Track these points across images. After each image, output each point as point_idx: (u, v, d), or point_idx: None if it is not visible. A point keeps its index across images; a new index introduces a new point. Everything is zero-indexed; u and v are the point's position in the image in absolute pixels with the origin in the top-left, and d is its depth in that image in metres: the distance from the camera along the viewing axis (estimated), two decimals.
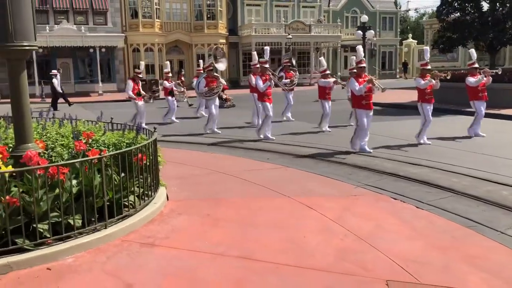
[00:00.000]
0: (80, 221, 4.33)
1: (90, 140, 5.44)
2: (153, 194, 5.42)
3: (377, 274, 3.67)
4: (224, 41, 35.46)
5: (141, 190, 5.16)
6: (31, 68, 26.53)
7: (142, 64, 14.06)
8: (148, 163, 5.28)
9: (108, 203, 4.56)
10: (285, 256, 4.03)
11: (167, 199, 5.65)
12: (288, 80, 14.25)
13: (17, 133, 4.62)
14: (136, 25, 32.52)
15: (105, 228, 4.47)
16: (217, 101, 12.45)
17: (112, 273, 3.73)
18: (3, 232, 3.93)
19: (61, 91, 21.17)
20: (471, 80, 10.54)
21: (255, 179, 6.72)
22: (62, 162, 4.49)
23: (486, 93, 10.68)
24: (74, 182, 4.44)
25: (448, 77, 10.39)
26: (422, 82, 9.66)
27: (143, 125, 12.33)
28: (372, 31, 26.23)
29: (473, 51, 11.18)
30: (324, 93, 12.22)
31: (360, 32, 23.17)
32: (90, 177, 4.52)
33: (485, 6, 18.70)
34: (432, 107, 9.98)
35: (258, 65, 11.66)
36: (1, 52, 4.51)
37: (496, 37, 17.58)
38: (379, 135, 10.75)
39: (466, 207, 5.58)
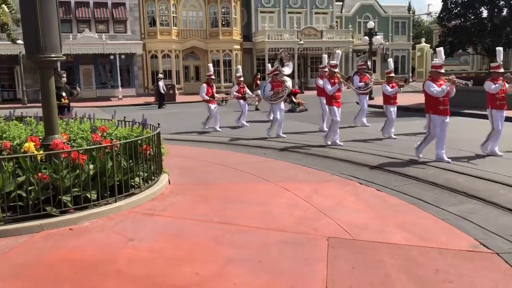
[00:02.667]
0: (95, 196, 5.46)
1: (105, 134, 6.58)
2: (156, 178, 6.53)
3: (323, 233, 4.69)
4: (238, 47, 36.70)
5: (146, 174, 6.28)
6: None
7: (211, 66, 14.85)
8: (152, 153, 6.41)
9: (118, 183, 5.68)
10: (255, 222, 5.08)
11: (169, 183, 6.75)
12: (363, 83, 13.75)
13: (47, 126, 5.79)
14: (154, 32, 33.99)
15: (115, 202, 5.59)
16: (282, 105, 12.36)
17: (119, 232, 4.83)
18: (36, 201, 5.08)
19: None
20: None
21: (247, 170, 7.78)
22: (82, 148, 5.63)
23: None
24: (91, 166, 5.57)
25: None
26: (493, 86, 8.83)
27: (217, 127, 13.94)
28: (379, 37, 27.05)
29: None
30: (389, 98, 11.78)
31: (366, 38, 24.03)
32: (103, 162, 5.66)
33: (484, 12, 19.42)
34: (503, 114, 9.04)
35: (326, 68, 11.68)
36: (34, 62, 5.70)
37: (494, 42, 18.31)
38: (372, 133, 11.72)
39: (422, 191, 6.54)
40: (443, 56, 8.86)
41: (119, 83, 31.55)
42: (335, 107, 10.45)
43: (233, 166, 8.09)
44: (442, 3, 20.53)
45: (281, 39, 36.68)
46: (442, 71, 8.48)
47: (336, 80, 10.41)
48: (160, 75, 27.52)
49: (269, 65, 13.90)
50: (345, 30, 39.63)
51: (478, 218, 5.30)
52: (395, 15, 45.73)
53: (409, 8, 55.50)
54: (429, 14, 58.09)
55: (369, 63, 15.20)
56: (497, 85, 8.73)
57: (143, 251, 4.32)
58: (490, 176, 7.21)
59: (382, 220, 5.13)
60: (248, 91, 15.28)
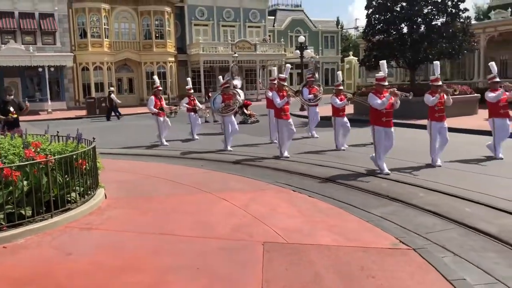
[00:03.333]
0: (30, 212, 5.38)
1: (38, 149, 6.48)
2: (92, 192, 6.51)
3: (259, 239, 4.95)
4: (173, 59, 36.61)
5: (82, 189, 6.26)
6: None
7: (156, 78, 14.52)
8: (88, 168, 6.39)
9: (53, 199, 5.64)
10: (193, 232, 5.26)
11: (105, 198, 6.75)
12: (312, 95, 13.86)
13: None
14: (85, 44, 33.15)
15: (51, 217, 5.54)
16: (233, 118, 12.30)
17: (56, 247, 4.82)
18: None
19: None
20: (490, 95, 9.70)
21: (186, 182, 7.92)
22: (14, 164, 5.53)
23: (508, 110, 9.77)
24: (25, 182, 5.48)
25: (456, 92, 9.81)
26: (431, 98, 8.97)
27: (163, 140, 13.53)
28: (309, 50, 28.16)
29: (493, 64, 10.19)
30: (338, 110, 11.76)
31: (298, 51, 24.92)
32: (38, 177, 5.59)
33: (405, 29, 20.85)
34: (444, 125, 9.17)
35: (275, 81, 11.70)
36: None
37: (413, 56, 19.70)
38: (306, 144, 12.24)
39: (351, 196, 7.01)
40: (386, 69, 9.01)
41: (49, 96, 30.37)
42: (284, 120, 10.49)
43: (171, 178, 8.19)
44: (366, 20, 21.77)
45: (216, 52, 37.06)
46: (385, 83, 8.68)
47: (285, 93, 10.45)
48: (112, 88, 27.34)
49: (220, 77, 13.84)
50: (278, 44, 40.80)
51: (399, 219, 5.82)
52: (324, 30, 47.71)
53: (338, 23, 58.06)
54: (356, 28, 60.90)
55: (316, 75, 15.38)
56: (434, 98, 8.90)
57: (82, 264, 4.36)
58: (412, 180, 7.83)
59: (313, 224, 5.49)
60: (198, 103, 15.12)
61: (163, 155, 11.57)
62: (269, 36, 42.79)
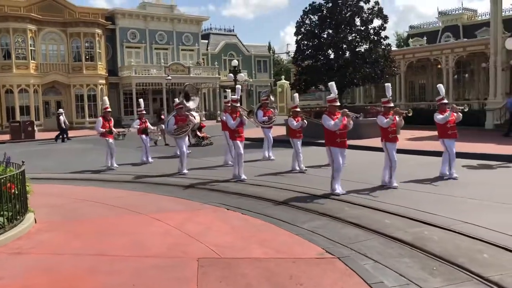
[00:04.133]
0: None
1: None
2: (21, 217, 6.36)
3: (194, 255, 5.12)
4: (103, 81, 35.92)
5: (10, 214, 6.10)
6: None
7: (106, 99, 13.84)
8: (16, 192, 6.26)
9: None
10: (128, 251, 5.32)
11: (35, 222, 6.60)
12: (267, 117, 13.69)
13: None
14: (9, 66, 31.77)
15: None
16: (187, 140, 11.86)
17: None
18: None
19: None
20: (439, 117, 9.86)
21: (120, 204, 7.89)
22: None
23: (456, 131, 9.91)
24: None
25: (410, 114, 9.44)
26: (385, 120, 8.97)
27: (114, 163, 13.00)
28: (243, 74, 28.84)
29: (441, 86, 10.38)
30: (294, 132, 11.74)
31: (231, 75, 25.47)
32: None
33: (332, 55, 22.04)
34: (396, 146, 9.25)
35: (229, 103, 11.48)
36: None
37: (340, 80, 20.84)
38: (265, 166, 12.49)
39: (282, 212, 7.34)
40: (336, 90, 8.89)
41: None
42: (238, 142, 10.44)
43: (105, 201, 8.12)
44: (296, 45, 22.77)
45: (149, 74, 36.88)
46: (337, 104, 8.68)
47: (238, 114, 10.39)
48: (60, 110, 26.95)
49: (176, 99, 13.50)
50: (212, 67, 41.32)
51: (326, 231, 6.21)
52: (257, 54, 48.99)
53: (269, 48, 59.75)
54: (287, 53, 62.96)
55: (272, 97, 14.92)
56: (388, 119, 8.92)
57: (15, 287, 4.30)
58: (341, 197, 8.27)
59: (246, 239, 5.74)
60: (150, 125, 14.72)
61: (99, 179, 11.33)
62: (203, 59, 43.24)
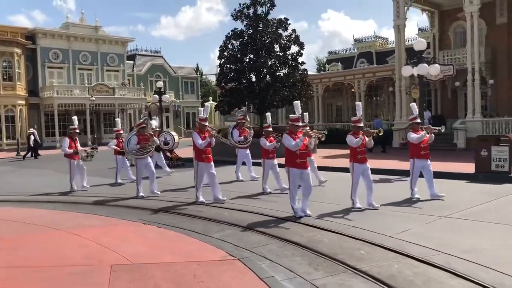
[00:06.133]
0: None
1: None
2: None
3: (107, 263, 5.59)
4: (23, 102, 34.77)
5: None
6: None
7: (75, 119, 13.36)
8: None
9: None
10: (46, 262, 5.69)
11: None
12: (242, 137, 13.12)
13: None
14: None
15: None
16: (149, 160, 11.37)
17: None
18: None
19: None
20: (413, 136, 9.64)
21: (36, 222, 8.11)
22: None
23: (428, 151, 9.73)
24: None
25: (381, 134, 9.21)
26: (354, 140, 8.71)
27: (85, 183, 12.41)
28: (168, 95, 29.26)
29: (414, 105, 10.22)
30: (267, 152, 11.20)
31: (156, 96, 25.83)
32: None
33: (253, 78, 23.17)
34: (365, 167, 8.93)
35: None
36: None
37: (261, 102, 21.95)
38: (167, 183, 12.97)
39: (195, 225, 7.93)
40: (300, 110, 8.83)
41: None
42: (204, 163, 9.90)
43: (22, 220, 8.30)
44: (219, 69, 23.68)
45: (72, 95, 36.19)
46: (300, 124, 8.39)
47: (207, 134, 9.90)
48: (31, 129, 27.99)
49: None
50: (138, 88, 41.29)
51: (233, 239, 6.89)
52: (184, 75, 49.59)
53: (197, 70, 60.57)
54: (216, 75, 64.07)
55: (247, 117, 14.47)
56: (358, 139, 8.70)
57: None
58: (252, 209, 9.00)
59: (158, 248, 6.30)
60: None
61: (18, 200, 11.32)
62: (128, 80, 43.06)
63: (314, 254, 6.03)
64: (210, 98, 56.04)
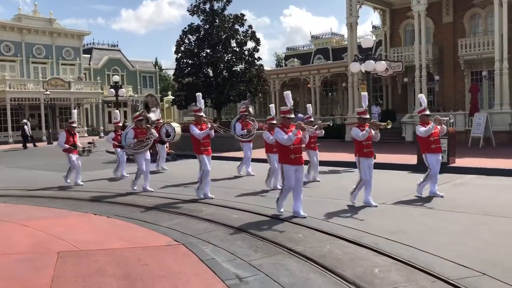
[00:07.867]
0: None
1: None
2: None
3: (55, 250, 5.80)
4: None
5: None
6: None
7: (75, 112, 12.99)
8: None
9: None
10: None
11: None
12: (245, 130, 12.62)
13: None
14: None
15: None
16: (147, 155, 10.89)
17: None
18: None
19: None
20: (421, 129, 8.89)
21: None
22: None
23: (440, 145, 9.10)
24: None
25: (389, 127, 8.18)
26: (360, 133, 8.16)
27: (79, 181, 12.04)
28: (124, 90, 29.06)
29: (422, 96, 9.55)
30: (271, 146, 9.99)
31: (112, 90, 25.61)
32: None
33: (211, 73, 23.44)
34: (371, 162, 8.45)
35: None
36: None
37: (218, 97, 22.26)
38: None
39: (146, 215, 8.19)
40: (291, 100, 8.05)
41: None
42: (204, 156, 9.44)
43: None
44: (176, 63, 23.80)
45: (25, 89, 35.24)
46: (292, 116, 7.78)
47: (205, 126, 9.46)
48: (24, 120, 30.29)
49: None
50: (94, 82, 40.63)
51: (181, 227, 7.20)
52: (142, 69, 49.10)
53: (156, 64, 60.02)
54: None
55: (251, 109, 13.70)
56: (364, 132, 8.12)
57: None
58: (207, 201, 9.25)
59: (106, 236, 6.55)
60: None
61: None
62: (85, 74, 42.28)
63: (254, 238, 6.43)
64: (169, 92, 55.69)
